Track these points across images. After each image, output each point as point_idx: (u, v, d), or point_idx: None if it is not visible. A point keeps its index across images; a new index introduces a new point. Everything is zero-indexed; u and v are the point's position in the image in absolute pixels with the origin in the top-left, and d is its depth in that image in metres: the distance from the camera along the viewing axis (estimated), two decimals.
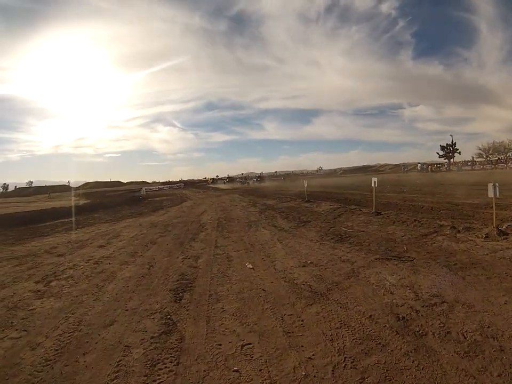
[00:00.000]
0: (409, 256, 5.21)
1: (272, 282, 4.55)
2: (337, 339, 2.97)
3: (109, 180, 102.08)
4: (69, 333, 3.51)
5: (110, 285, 5.14)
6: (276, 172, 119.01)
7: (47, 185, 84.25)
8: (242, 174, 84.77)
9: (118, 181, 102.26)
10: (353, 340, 2.93)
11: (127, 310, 4.07)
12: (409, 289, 3.95)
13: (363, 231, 7.08)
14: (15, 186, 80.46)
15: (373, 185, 9.66)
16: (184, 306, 4.06)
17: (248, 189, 36.80)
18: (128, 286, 5.02)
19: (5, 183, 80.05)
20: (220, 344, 3.06)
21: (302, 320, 3.39)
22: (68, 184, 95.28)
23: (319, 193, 18.50)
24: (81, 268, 6.13)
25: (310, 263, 5.20)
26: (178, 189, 53.12)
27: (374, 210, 8.92)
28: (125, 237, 9.08)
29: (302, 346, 2.91)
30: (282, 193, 21.16)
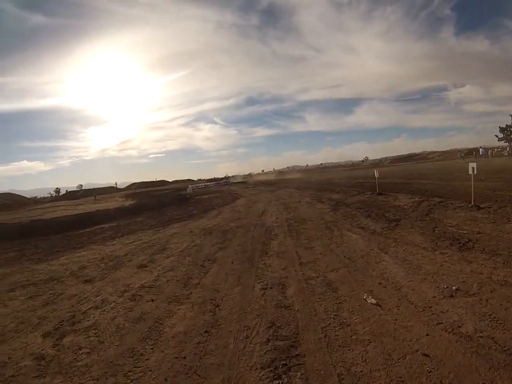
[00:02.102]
0: None
1: (427, 334, 2.96)
2: None
3: (155, 180, 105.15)
4: None
5: (153, 353, 3.14)
6: (321, 163, 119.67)
7: (95, 187, 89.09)
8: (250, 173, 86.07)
9: (164, 180, 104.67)
10: None
11: None
12: None
13: (480, 233, 5.82)
14: (66, 190, 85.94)
15: (470, 172, 8.41)
16: None
17: (290, 183, 34.50)
18: (184, 359, 2.98)
19: (57, 188, 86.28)
20: None
21: None
22: (115, 185, 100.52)
23: (383, 184, 16.71)
24: (112, 309, 4.28)
25: (455, 289, 3.74)
26: (225, 185, 52.02)
27: (472, 204, 7.92)
28: (173, 250, 7.25)
29: None
30: (337, 185, 20.63)
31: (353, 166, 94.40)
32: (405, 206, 9.29)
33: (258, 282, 4.76)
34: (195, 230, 9.63)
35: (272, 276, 4.98)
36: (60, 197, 72.89)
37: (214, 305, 4.11)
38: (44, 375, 2.98)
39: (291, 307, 3.85)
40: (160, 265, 6.10)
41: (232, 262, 5.95)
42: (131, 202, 30.03)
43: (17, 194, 60.49)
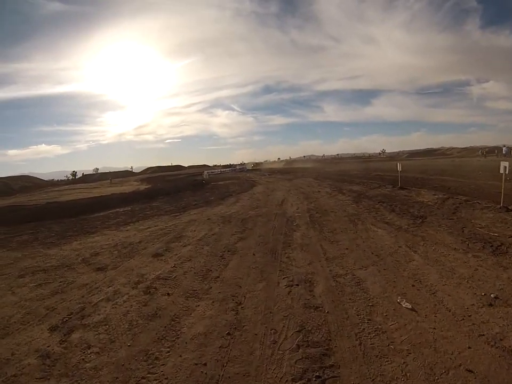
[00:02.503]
0: None
1: (469, 347, 2.70)
2: None
3: (170, 164, 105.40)
4: None
5: (169, 357, 2.81)
6: (337, 154, 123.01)
7: (111, 171, 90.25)
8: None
9: (179, 165, 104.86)
10: None
11: None
12: None
13: None
14: (82, 174, 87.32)
15: (502, 171, 7.87)
16: None
17: (306, 172, 33.84)
18: (204, 366, 2.65)
19: (74, 171, 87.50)
20: None
21: None
22: (130, 169, 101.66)
23: (404, 178, 16.33)
24: (124, 302, 3.96)
25: (494, 297, 3.47)
26: (241, 172, 51.47)
27: (501, 205, 7.47)
28: (190, 239, 6.91)
29: None
30: (356, 177, 20.39)
31: (369, 158, 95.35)
32: (429, 203, 8.98)
33: (283, 278, 4.38)
34: (213, 218, 9.27)
35: (298, 271, 4.60)
36: (76, 180, 74.18)
37: (236, 302, 3.74)
38: (48, 377, 2.70)
39: (321, 308, 3.51)
40: (176, 255, 5.76)
41: (254, 254, 5.59)
42: (146, 187, 30.07)
43: (35, 177, 61.84)
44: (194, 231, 7.62)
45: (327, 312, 3.40)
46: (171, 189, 20.92)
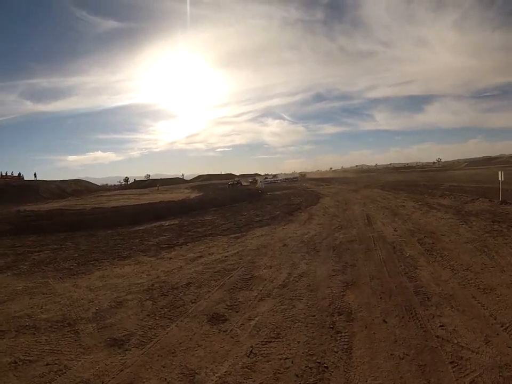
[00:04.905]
0: None
1: None
2: None
3: (220, 173, 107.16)
4: None
5: None
6: (390, 164, 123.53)
7: (162, 178, 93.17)
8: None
9: (231, 173, 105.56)
10: None
11: None
12: None
13: None
14: (134, 179, 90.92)
15: None
16: None
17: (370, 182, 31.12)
18: None
19: (126, 177, 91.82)
20: None
21: None
22: (181, 176, 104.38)
23: (490, 190, 15.24)
24: None
25: None
26: (295, 181, 49.33)
27: None
28: (266, 283, 4.61)
29: None
30: (430, 187, 20.08)
31: (423, 167, 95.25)
32: None
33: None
34: (290, 243, 6.87)
35: (477, 360, 2.25)
36: (127, 185, 77.38)
37: None
38: None
39: None
40: (250, 320, 3.41)
41: (385, 321, 3.27)
42: (197, 195, 28.88)
43: (87, 181, 64.46)
44: (270, 267, 5.26)
45: None
46: (225, 199, 19.00)
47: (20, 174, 47.57)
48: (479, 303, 3.68)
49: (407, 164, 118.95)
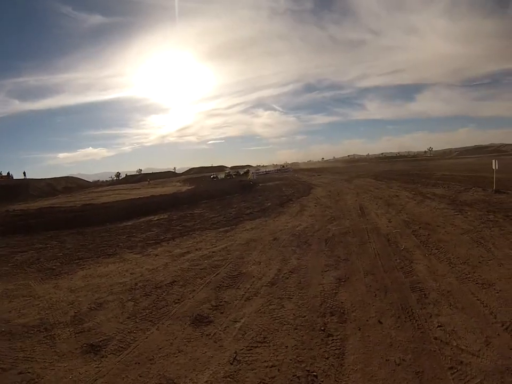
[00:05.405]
0: None
1: None
2: None
3: (211, 165, 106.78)
4: None
5: None
6: (382, 153, 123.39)
7: (154, 172, 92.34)
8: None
9: (222, 166, 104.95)
10: None
11: None
12: None
13: None
14: (126, 174, 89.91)
15: None
16: None
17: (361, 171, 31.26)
18: None
19: (117, 172, 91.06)
20: None
21: None
22: (173, 170, 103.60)
23: (481, 179, 15.36)
24: None
25: None
26: (287, 172, 49.20)
27: None
28: (255, 280, 4.46)
29: None
30: (423, 177, 19.43)
31: (415, 157, 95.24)
32: None
33: None
34: (280, 236, 6.72)
35: (480, 366, 2.34)
36: (119, 181, 76.63)
37: None
38: None
39: None
40: (235, 322, 3.26)
41: (380, 322, 3.18)
42: (189, 188, 28.61)
43: (79, 178, 63.76)
44: (259, 263, 5.10)
45: None
46: (216, 192, 18.77)
47: (8, 173, 47.00)
48: (478, 299, 3.59)
49: (399, 153, 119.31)
